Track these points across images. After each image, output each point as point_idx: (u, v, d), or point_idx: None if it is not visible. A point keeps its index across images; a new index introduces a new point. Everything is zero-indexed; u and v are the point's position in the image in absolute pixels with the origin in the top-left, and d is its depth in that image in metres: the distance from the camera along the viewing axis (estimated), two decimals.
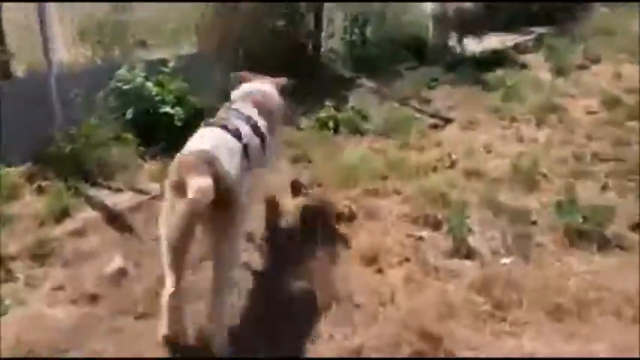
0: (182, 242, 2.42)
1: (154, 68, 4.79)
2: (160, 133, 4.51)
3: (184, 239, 2.42)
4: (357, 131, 5.08)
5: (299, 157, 4.56)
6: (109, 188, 4.03)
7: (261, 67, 4.98)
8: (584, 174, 4.38)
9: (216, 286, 2.53)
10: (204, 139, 2.67)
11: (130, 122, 4.52)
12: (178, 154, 2.59)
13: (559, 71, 6.75)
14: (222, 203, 2.41)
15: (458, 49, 7.32)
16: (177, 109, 4.58)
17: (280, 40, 5.85)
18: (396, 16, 6.68)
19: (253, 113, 3.03)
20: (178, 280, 2.45)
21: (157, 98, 4.56)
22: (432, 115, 5.50)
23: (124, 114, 4.49)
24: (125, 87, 4.49)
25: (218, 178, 2.38)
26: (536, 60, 7.18)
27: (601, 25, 8.45)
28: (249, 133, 2.85)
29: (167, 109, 4.55)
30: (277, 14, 5.80)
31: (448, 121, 5.39)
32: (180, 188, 2.35)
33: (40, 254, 3.22)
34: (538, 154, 4.60)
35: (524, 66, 6.98)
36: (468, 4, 7.44)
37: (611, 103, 5.67)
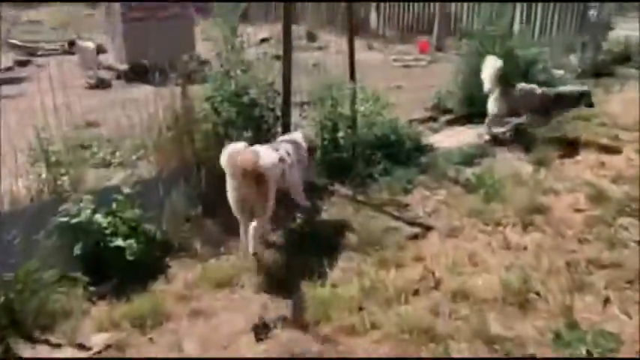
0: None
1: (106, 196, 4.44)
2: (111, 270, 4.10)
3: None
4: (330, 247, 4.68)
5: (264, 285, 4.13)
6: (47, 343, 3.54)
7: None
8: (581, 287, 3.98)
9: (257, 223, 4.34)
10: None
11: (79, 259, 4.10)
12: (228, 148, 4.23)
13: (539, 162, 6.47)
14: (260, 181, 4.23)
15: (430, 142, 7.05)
16: (130, 241, 4.17)
17: None
18: (367, 118, 6.42)
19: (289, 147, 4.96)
20: (246, 222, 4.37)
21: (108, 231, 4.17)
22: (411, 223, 5.11)
23: (72, 252, 4.08)
24: (72, 221, 4.10)
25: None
26: (515, 152, 6.92)
27: (578, 111, 8.30)
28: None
29: (119, 241, 4.15)
30: (243, 126, 5.52)
31: (428, 228, 5.01)
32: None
33: None
34: (528, 267, 4.21)
35: (503, 160, 6.69)
36: (540, 88, 7.25)
37: (599, 198, 5.35)
